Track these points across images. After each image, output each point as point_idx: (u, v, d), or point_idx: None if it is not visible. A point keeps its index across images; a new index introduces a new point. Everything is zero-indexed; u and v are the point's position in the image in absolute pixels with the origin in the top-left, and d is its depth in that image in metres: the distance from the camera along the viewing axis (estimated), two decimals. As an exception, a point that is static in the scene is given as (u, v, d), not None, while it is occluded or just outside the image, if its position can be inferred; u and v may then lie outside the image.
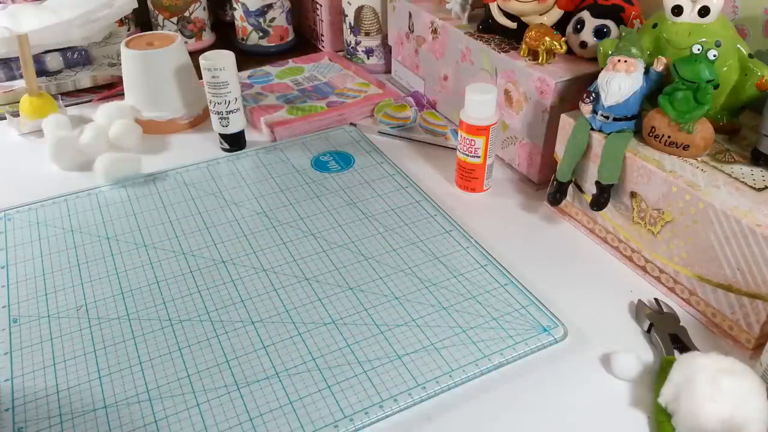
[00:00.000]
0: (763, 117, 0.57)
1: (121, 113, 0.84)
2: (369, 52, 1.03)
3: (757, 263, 0.51)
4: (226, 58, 0.77)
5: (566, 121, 0.66)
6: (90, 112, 0.91)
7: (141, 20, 1.06)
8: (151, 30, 1.02)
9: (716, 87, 0.57)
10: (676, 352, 0.53)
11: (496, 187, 0.76)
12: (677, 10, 0.59)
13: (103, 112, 0.84)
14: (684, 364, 0.48)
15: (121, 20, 1.06)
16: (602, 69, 0.62)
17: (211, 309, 0.58)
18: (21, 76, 0.89)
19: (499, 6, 0.76)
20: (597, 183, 0.62)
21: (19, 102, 0.86)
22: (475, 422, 0.49)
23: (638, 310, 0.58)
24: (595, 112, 0.62)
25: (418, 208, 0.72)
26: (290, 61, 1.04)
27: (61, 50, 0.96)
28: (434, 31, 0.86)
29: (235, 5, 1.08)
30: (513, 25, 0.77)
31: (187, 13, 1.09)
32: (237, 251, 0.65)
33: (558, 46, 0.69)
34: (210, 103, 0.80)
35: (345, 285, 0.61)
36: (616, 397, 0.51)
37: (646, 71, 0.60)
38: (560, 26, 0.73)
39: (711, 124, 0.59)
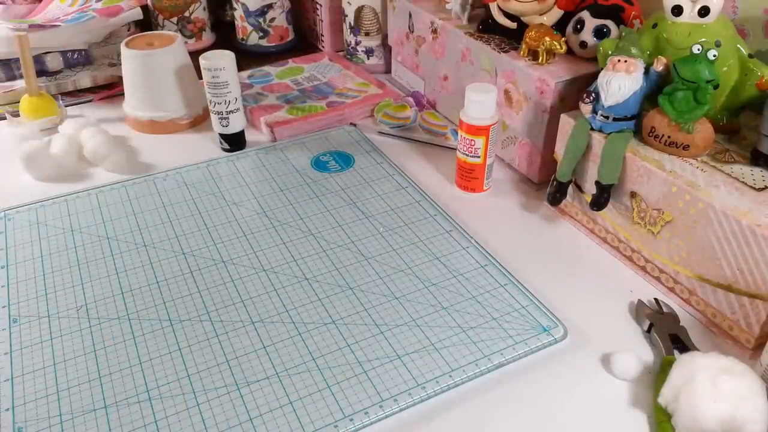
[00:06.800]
0: (763, 117, 0.57)
1: (89, 122, 0.83)
2: (369, 52, 1.03)
3: (757, 263, 0.51)
4: (226, 58, 0.77)
5: (566, 121, 0.66)
6: (90, 112, 0.91)
7: (141, 20, 1.06)
8: (151, 30, 1.02)
9: (716, 87, 0.57)
10: (676, 352, 0.53)
11: (496, 187, 0.76)
12: (677, 10, 0.59)
13: (70, 123, 0.83)
14: (684, 364, 0.48)
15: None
16: (602, 69, 0.62)
17: (211, 309, 0.58)
18: (21, 76, 0.89)
19: (499, 6, 0.76)
20: (597, 183, 0.62)
21: (19, 102, 0.86)
22: (475, 422, 0.49)
23: (638, 310, 0.58)
24: (595, 112, 0.62)
25: (418, 208, 0.72)
26: (290, 61, 1.04)
27: (61, 50, 0.96)
28: (434, 31, 0.86)
29: (235, 5, 1.08)
30: (513, 25, 0.77)
31: (187, 13, 1.09)
32: (237, 251, 0.65)
33: (558, 46, 0.69)
34: (210, 103, 0.80)
35: (345, 285, 0.61)
36: (616, 397, 0.51)
37: (646, 71, 0.60)
38: (560, 26, 0.73)
39: (711, 124, 0.59)
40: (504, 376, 0.53)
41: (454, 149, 0.78)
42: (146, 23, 1.09)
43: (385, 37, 1.01)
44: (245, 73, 0.99)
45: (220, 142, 0.83)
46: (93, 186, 0.76)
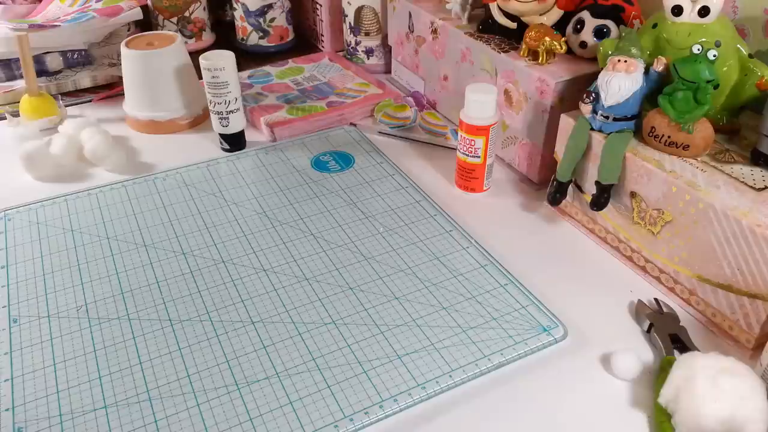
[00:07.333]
0: (763, 117, 0.57)
1: (89, 122, 0.83)
2: (369, 52, 1.03)
3: (757, 263, 0.51)
4: (226, 58, 0.77)
5: (566, 121, 0.66)
6: (90, 112, 0.91)
7: (141, 20, 1.06)
8: (151, 30, 1.02)
9: (716, 87, 0.57)
10: (676, 352, 0.53)
11: (496, 187, 0.76)
12: (677, 10, 0.59)
13: (70, 123, 0.82)
14: (684, 364, 0.48)
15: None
16: (602, 69, 0.62)
17: (211, 309, 0.58)
18: (21, 76, 0.89)
19: (499, 6, 0.76)
20: (597, 183, 0.62)
21: (19, 102, 0.86)
22: (475, 422, 0.49)
23: (638, 310, 0.58)
24: (595, 112, 0.62)
25: (418, 208, 0.72)
26: (290, 61, 1.04)
27: (61, 50, 0.96)
28: (434, 31, 0.86)
29: (235, 5, 1.08)
30: (513, 25, 0.77)
31: (187, 13, 1.09)
32: (237, 251, 0.65)
33: (558, 46, 0.69)
34: (210, 103, 0.80)
35: (345, 285, 0.61)
36: (616, 397, 0.51)
37: (646, 71, 0.60)
38: (560, 26, 0.73)
39: (711, 124, 0.59)
40: (504, 376, 0.53)
41: (454, 149, 0.78)
42: (146, 23, 1.09)
43: (385, 37, 1.01)
44: (245, 73, 0.99)
45: (220, 142, 0.83)
46: (93, 186, 0.76)
